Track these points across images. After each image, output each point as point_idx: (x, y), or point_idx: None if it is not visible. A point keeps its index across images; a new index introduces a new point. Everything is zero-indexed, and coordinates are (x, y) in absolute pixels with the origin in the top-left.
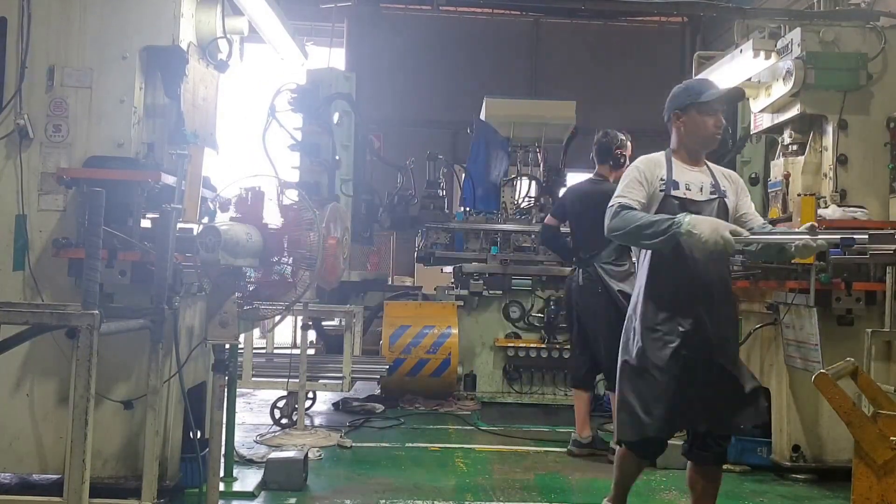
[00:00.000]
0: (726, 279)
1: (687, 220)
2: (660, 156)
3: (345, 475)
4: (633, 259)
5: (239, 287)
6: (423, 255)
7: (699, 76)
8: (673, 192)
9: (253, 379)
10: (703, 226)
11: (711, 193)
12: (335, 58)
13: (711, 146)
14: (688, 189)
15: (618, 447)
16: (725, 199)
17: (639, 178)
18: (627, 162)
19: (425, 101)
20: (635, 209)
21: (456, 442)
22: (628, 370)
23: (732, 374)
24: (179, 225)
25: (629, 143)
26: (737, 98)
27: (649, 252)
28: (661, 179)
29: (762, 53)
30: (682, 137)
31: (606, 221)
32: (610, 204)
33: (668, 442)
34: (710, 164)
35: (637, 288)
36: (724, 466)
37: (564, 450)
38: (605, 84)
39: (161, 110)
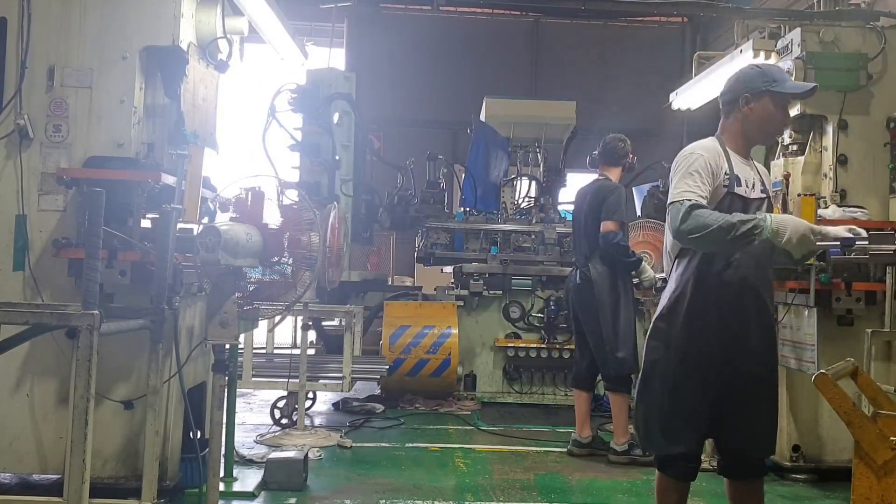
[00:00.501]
0: (769, 282)
1: (769, 221)
2: (715, 144)
3: (345, 475)
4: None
5: (239, 287)
6: (423, 256)
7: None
8: (736, 189)
9: (253, 379)
10: (787, 227)
11: (762, 192)
12: (335, 58)
13: (769, 142)
14: (747, 185)
15: (656, 479)
16: (770, 199)
17: (704, 169)
18: (629, 157)
19: (425, 101)
20: (706, 207)
21: (456, 442)
22: (661, 383)
23: (772, 389)
24: (179, 225)
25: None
26: (812, 95)
27: (692, 260)
28: (726, 173)
29: (762, 53)
30: (745, 125)
31: (673, 222)
32: (672, 200)
33: None
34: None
35: (672, 296)
36: None
37: (564, 450)
38: (605, 84)
39: (161, 110)
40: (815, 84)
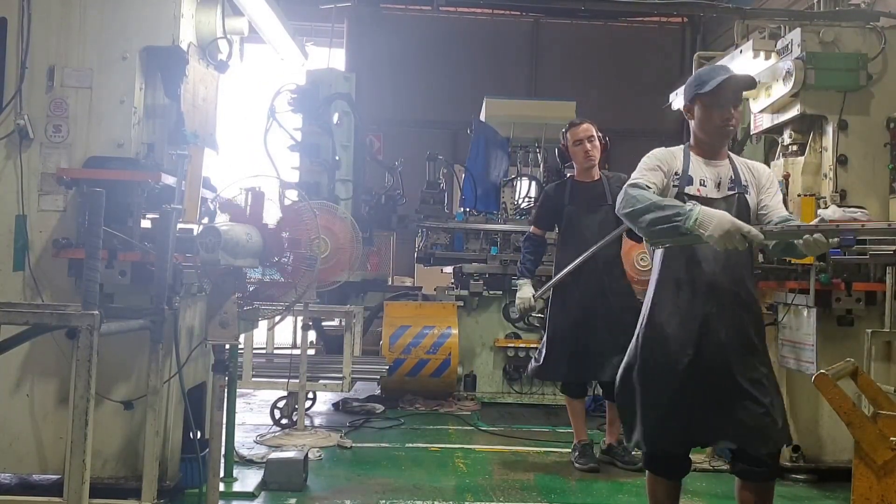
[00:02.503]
0: (744, 280)
1: (696, 212)
2: (677, 149)
3: (345, 475)
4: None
5: (239, 287)
6: (422, 256)
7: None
8: (686, 189)
9: (253, 379)
10: (712, 222)
11: (730, 189)
12: (335, 58)
13: (722, 140)
14: (702, 185)
15: (646, 477)
16: (746, 196)
17: (656, 164)
18: (569, 145)
19: (425, 101)
20: (646, 188)
21: (456, 442)
22: (634, 377)
23: (753, 387)
24: (179, 225)
25: (572, 131)
26: (742, 85)
27: (659, 259)
28: (676, 174)
29: (762, 54)
30: (694, 130)
31: (617, 205)
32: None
33: None
34: (733, 156)
35: (646, 296)
36: (724, 467)
37: (564, 450)
38: (604, 84)
39: (161, 111)
40: (740, 75)
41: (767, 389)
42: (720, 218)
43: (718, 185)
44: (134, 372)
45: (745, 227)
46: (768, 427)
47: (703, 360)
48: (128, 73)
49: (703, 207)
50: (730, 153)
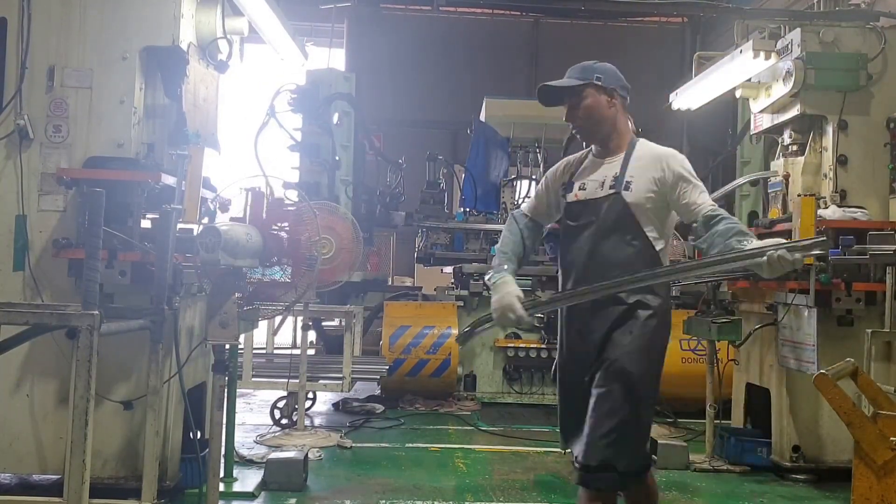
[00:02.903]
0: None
1: (496, 279)
2: (578, 155)
3: (345, 475)
4: None
5: (239, 287)
6: (422, 256)
7: (699, 75)
8: (567, 197)
9: (253, 379)
10: (497, 293)
11: (611, 188)
12: (335, 58)
13: (584, 137)
14: (582, 189)
15: None
16: (623, 193)
17: (542, 186)
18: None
19: (425, 101)
20: (517, 224)
21: (456, 442)
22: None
23: (602, 398)
24: (179, 225)
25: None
26: (553, 91)
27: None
28: (563, 185)
29: (762, 54)
30: None
31: None
32: None
33: (669, 441)
34: (640, 147)
35: None
36: (724, 467)
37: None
38: None
39: (161, 111)
40: (541, 85)
41: (606, 409)
42: (504, 294)
43: (602, 185)
44: (134, 372)
45: (519, 310)
46: (590, 442)
47: (566, 364)
48: (128, 73)
49: (505, 279)
50: (639, 144)
